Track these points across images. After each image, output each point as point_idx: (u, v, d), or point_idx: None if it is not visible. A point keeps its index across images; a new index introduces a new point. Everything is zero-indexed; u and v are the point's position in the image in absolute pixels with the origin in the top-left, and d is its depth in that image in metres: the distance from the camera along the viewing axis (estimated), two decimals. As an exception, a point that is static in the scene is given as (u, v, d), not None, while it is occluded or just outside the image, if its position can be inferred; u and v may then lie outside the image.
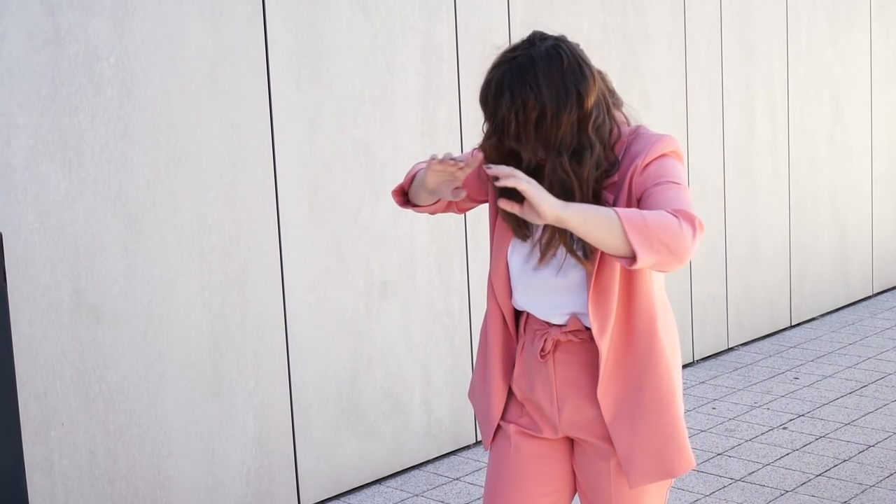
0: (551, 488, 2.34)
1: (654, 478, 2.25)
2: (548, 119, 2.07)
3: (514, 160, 2.19)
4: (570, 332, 2.24)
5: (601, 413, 2.24)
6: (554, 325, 2.26)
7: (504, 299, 2.33)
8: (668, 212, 1.99)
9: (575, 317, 2.23)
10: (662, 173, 2.10)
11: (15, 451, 3.32)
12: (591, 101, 2.10)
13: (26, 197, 3.35)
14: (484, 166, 2.01)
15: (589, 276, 2.18)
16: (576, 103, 2.08)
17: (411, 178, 2.39)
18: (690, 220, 1.98)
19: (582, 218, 1.95)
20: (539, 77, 2.07)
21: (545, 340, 2.26)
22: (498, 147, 2.17)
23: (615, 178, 2.15)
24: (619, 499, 2.29)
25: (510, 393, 2.39)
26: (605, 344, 2.19)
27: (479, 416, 2.45)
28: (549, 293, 2.25)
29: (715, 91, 6.05)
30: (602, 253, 2.15)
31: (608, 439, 2.26)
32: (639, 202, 2.12)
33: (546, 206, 1.93)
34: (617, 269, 2.18)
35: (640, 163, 2.12)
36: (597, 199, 2.14)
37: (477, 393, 2.46)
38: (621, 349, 2.21)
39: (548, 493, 2.33)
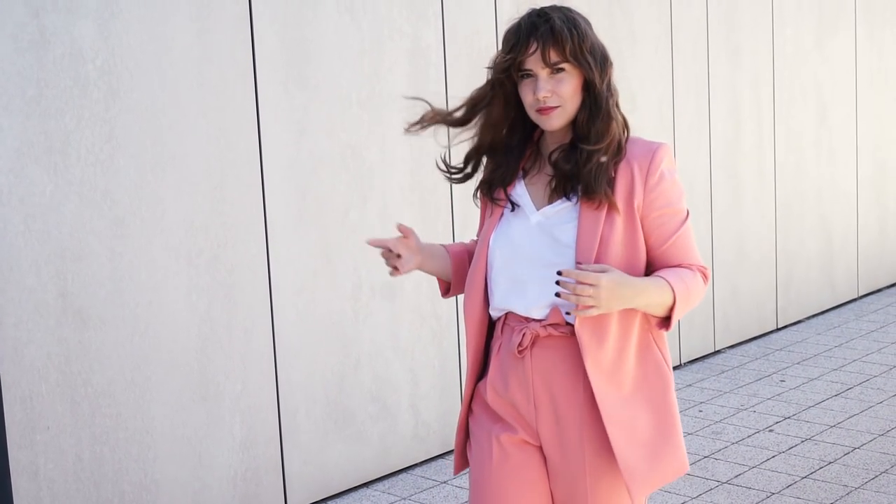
0: (537, 491, 2.26)
1: (653, 485, 2.18)
2: (599, 58, 2.20)
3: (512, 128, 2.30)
4: (549, 325, 2.19)
5: (580, 413, 2.19)
6: (533, 319, 2.21)
7: (477, 302, 2.29)
8: (695, 268, 2.19)
9: (556, 309, 2.18)
10: (671, 200, 2.17)
11: (0, 454, 3.30)
12: (611, 72, 2.22)
13: (11, 199, 3.33)
14: (574, 269, 2.13)
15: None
16: (607, 64, 2.22)
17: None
18: (706, 277, 2.21)
19: (632, 302, 2.12)
20: (579, 22, 2.22)
21: (523, 335, 2.20)
22: (503, 104, 2.28)
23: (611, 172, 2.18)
24: None
25: (485, 405, 2.31)
26: (587, 332, 2.14)
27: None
28: (534, 284, 2.19)
29: (701, 94, 6.06)
30: (601, 242, 2.15)
31: (584, 442, 2.19)
32: (643, 220, 2.16)
33: (604, 309, 2.10)
34: (614, 256, 2.16)
35: (645, 166, 2.16)
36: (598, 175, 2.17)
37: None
38: (620, 345, 2.17)
39: (534, 499, 2.26)
